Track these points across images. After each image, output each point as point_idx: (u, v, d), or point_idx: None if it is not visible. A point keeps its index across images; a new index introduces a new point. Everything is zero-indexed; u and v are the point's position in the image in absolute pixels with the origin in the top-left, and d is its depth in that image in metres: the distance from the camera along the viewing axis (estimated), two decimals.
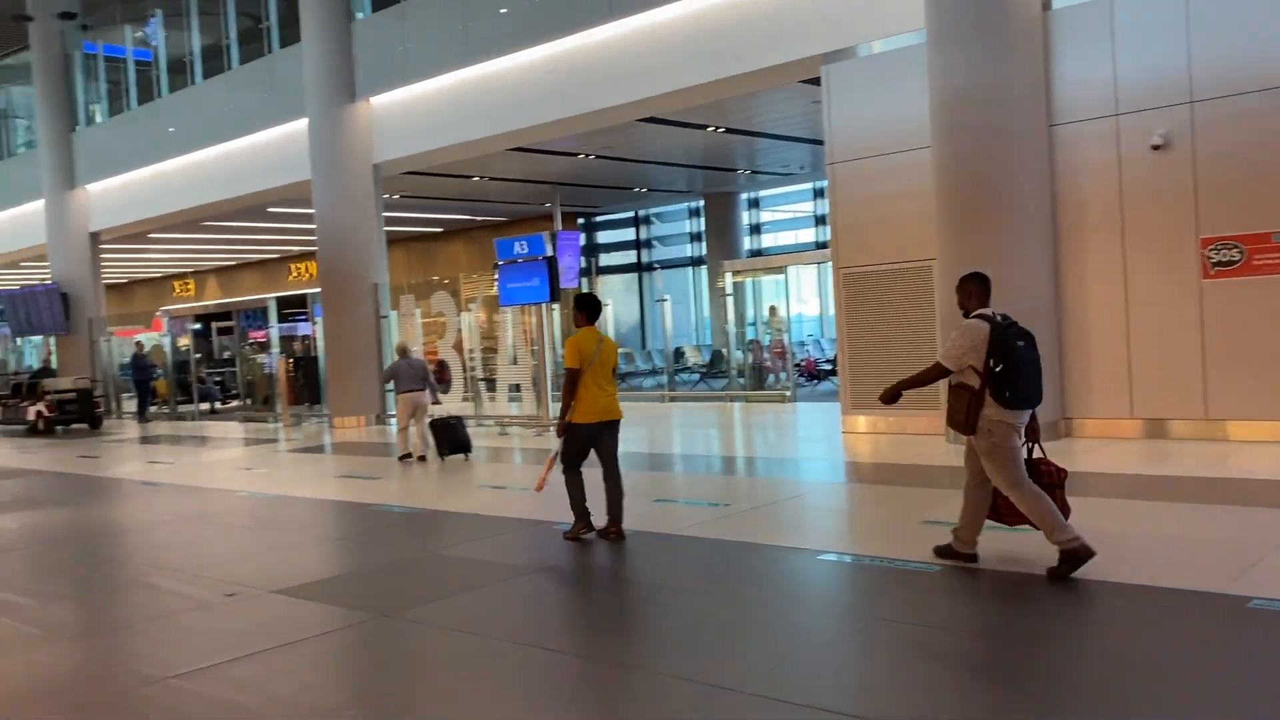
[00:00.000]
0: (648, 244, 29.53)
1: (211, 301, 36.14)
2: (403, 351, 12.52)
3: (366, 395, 17.25)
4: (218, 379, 25.78)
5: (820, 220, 25.90)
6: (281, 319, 23.02)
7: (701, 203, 27.14)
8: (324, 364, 18.15)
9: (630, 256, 29.70)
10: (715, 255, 25.94)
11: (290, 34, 18.36)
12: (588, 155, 19.48)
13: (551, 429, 14.17)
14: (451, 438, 11.89)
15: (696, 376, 21.96)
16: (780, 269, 18.33)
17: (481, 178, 20.91)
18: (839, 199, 12.04)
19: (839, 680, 4.42)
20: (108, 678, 4.98)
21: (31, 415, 20.32)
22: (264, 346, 22.69)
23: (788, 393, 16.77)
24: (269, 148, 19.16)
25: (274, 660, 4.98)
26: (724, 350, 20.71)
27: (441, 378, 18.43)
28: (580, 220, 28.90)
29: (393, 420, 16.79)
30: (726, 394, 18.17)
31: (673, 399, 18.67)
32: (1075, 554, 5.33)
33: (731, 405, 17.17)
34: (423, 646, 5.18)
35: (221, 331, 32.44)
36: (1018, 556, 5.85)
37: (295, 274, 33.51)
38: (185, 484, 11.74)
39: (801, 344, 21.07)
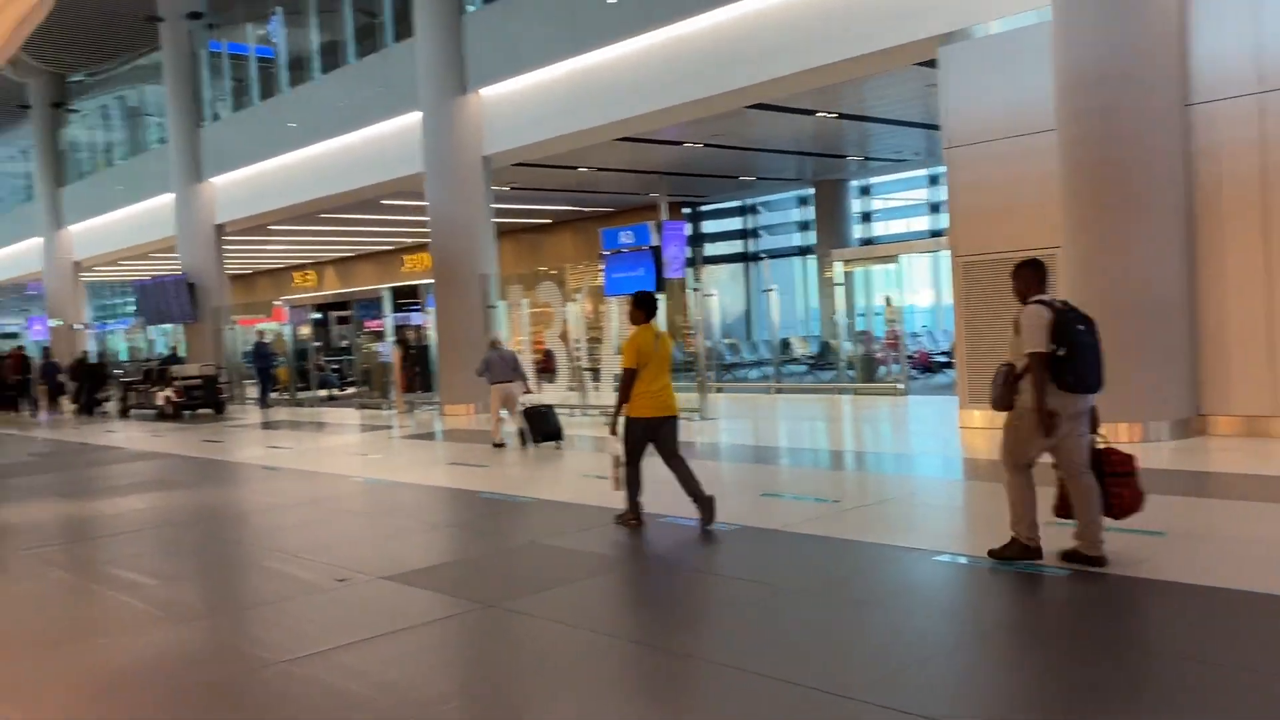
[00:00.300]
0: (754, 233, 29.20)
1: (329, 292, 37.28)
2: (494, 344, 12.98)
3: (475, 384, 17.37)
4: (335, 367, 26.54)
5: (935, 208, 25.18)
6: (396, 309, 23.58)
7: (811, 190, 26.69)
8: (435, 353, 18.47)
9: (736, 246, 29.42)
10: (825, 244, 25.46)
11: (404, 29, 18.70)
12: (694, 144, 19.31)
13: None
14: (543, 425, 12.23)
15: (804, 368, 21.61)
16: (893, 258, 17.86)
17: (588, 168, 20.95)
18: (957, 185, 11.61)
19: (955, 691, 4.21)
20: (222, 660, 5.09)
21: (160, 400, 21.24)
22: (379, 335, 23.28)
23: (900, 385, 16.33)
24: (383, 141, 19.57)
25: (381, 648, 5.02)
26: (833, 341, 20.32)
27: (546, 367, 18.57)
28: (686, 210, 28.75)
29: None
30: (835, 386, 17.82)
31: (779, 391, 18.40)
32: (1026, 548, 5.60)
33: (840, 398, 16.82)
34: (524, 638, 5.15)
35: (339, 321, 33.46)
36: (1151, 559, 5.51)
37: (409, 265, 34.26)
38: (302, 469, 12.07)
39: (914, 335, 20.51)
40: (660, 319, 15.36)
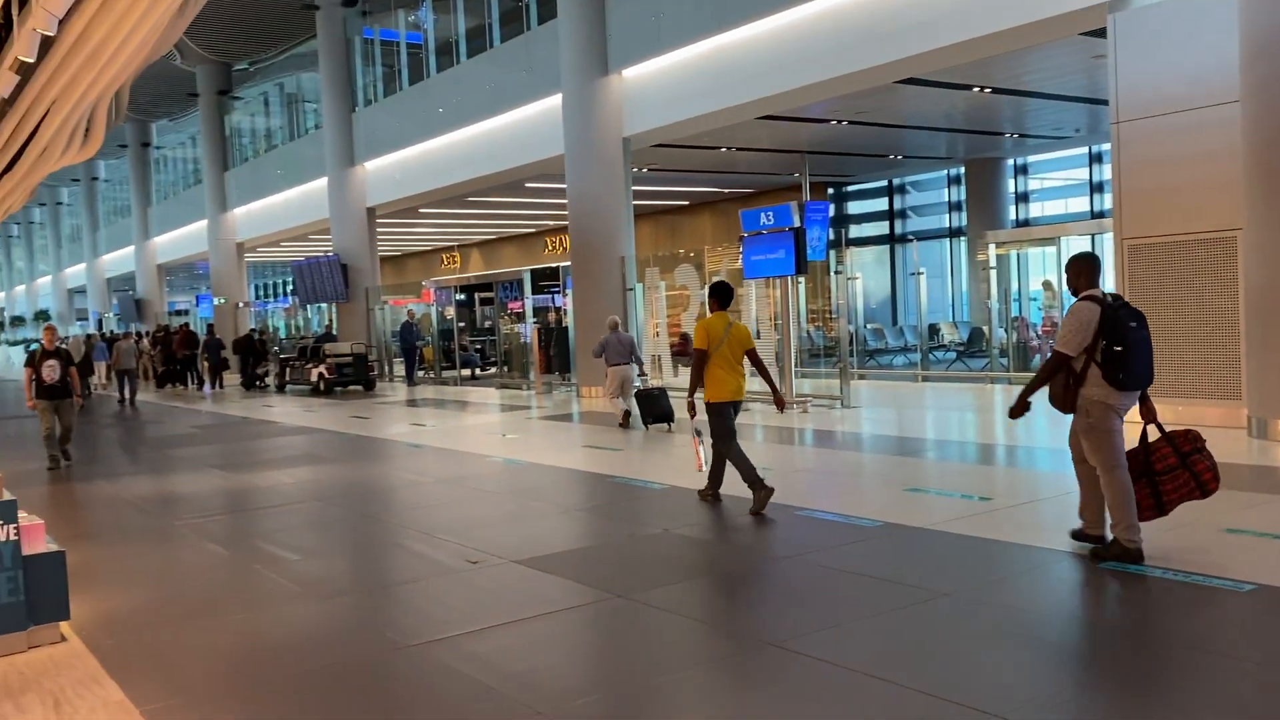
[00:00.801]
0: (902, 214, 28.26)
1: (473, 273, 38.12)
2: (613, 327, 13.36)
3: None
4: (478, 347, 27.09)
5: (1097, 187, 23.79)
6: (536, 291, 23.84)
7: (962, 170, 25.61)
8: (574, 334, 18.57)
9: (882, 228, 28.54)
10: (976, 226, 24.41)
11: (547, 11, 18.76)
12: (840, 121, 18.73)
13: (795, 406, 13.79)
14: (655, 408, 12.45)
15: (953, 355, 20.78)
16: (1051, 240, 16.90)
17: (729, 148, 20.62)
18: (1125, 162, 10.81)
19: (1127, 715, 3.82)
20: (354, 641, 5.11)
21: (314, 377, 22.12)
22: (520, 317, 23.61)
23: None
24: (526, 124, 19.74)
25: (510, 635, 4.94)
26: (984, 327, 19.45)
27: (682, 350, 18.42)
28: (829, 190, 28.04)
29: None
30: (987, 375, 17.05)
31: (926, 379, 17.73)
32: (1128, 552, 5.46)
33: (992, 387, 16.07)
34: (657, 634, 4.98)
35: (483, 302, 34.19)
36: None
37: (550, 247, 34.68)
38: (443, 447, 12.27)
39: None
40: (801, 303, 14.90)
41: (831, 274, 19.59)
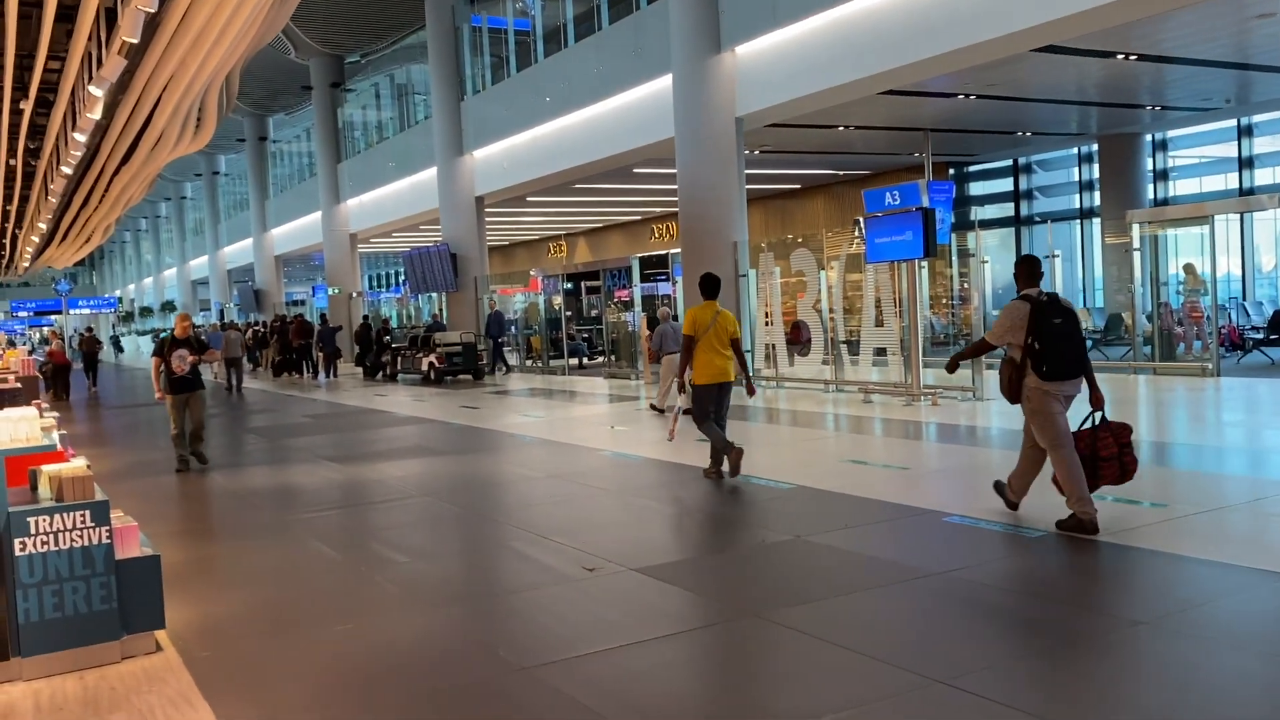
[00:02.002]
0: (1027, 195, 26.82)
1: (580, 261, 37.94)
2: (665, 317, 13.99)
3: None
4: (585, 336, 26.80)
5: (1247, 163, 22.07)
6: (643, 279, 23.37)
7: (1095, 146, 24.10)
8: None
9: (1005, 209, 27.15)
10: (1110, 206, 22.93)
11: None
12: (966, 96, 17.68)
13: (924, 399, 12.98)
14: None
15: (1089, 343, 19.48)
16: (1202, 219, 15.57)
17: (846, 127, 19.73)
18: None
19: None
20: (466, 662, 4.65)
21: (424, 366, 22.11)
22: (627, 305, 23.17)
23: (1208, 365, 14.24)
24: (634, 108, 19.24)
25: (633, 658, 4.42)
26: (1124, 314, 18.17)
27: (797, 339, 17.69)
28: (950, 171, 26.79)
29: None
30: (1128, 364, 15.86)
31: None
32: (1083, 523, 5.85)
33: (1135, 377, 14.91)
34: (796, 662, 4.38)
35: (589, 291, 33.94)
36: None
37: (656, 235, 34.19)
38: (552, 439, 11.87)
39: (1223, 308, 17.98)
40: (923, 289, 14.03)
41: (953, 257, 18.60)
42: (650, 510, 7.71)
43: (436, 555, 6.82)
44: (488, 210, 26.78)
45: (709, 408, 8.25)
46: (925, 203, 12.75)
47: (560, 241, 40.37)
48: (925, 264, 14.92)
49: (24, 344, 49.99)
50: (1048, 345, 5.89)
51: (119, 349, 55.47)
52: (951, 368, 6.85)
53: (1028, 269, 6.23)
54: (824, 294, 15.66)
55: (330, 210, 33.74)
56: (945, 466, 8.93)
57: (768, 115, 16.98)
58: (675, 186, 17.82)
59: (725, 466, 8.27)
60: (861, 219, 14.97)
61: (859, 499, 7.35)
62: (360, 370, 26.11)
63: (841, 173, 26.72)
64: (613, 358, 21.80)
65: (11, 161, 14.90)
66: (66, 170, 12.56)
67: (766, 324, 16.41)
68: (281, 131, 42.13)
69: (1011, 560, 5.73)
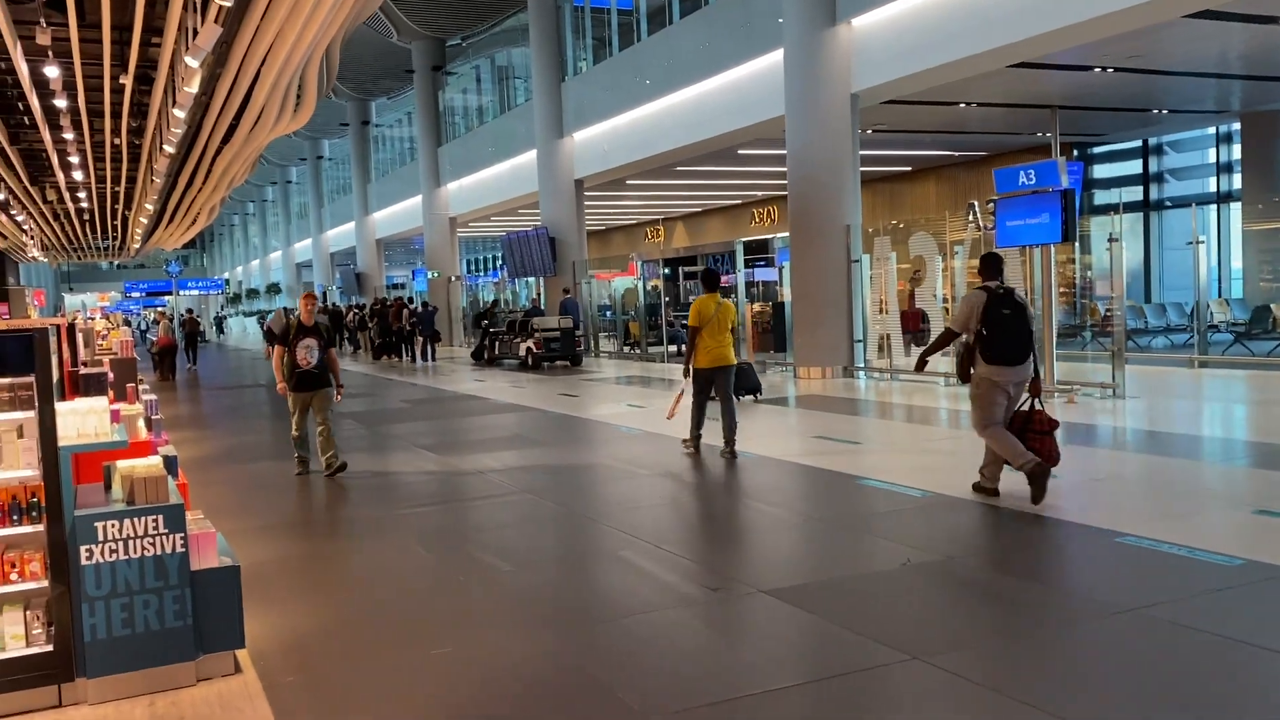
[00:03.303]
0: (1158, 178, 25.13)
1: (678, 246, 37.25)
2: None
3: (833, 345, 16.01)
4: (684, 322, 26.06)
5: None
6: (745, 265, 22.53)
7: (1236, 125, 22.37)
8: (789, 310, 17.21)
9: (1134, 193, 25.48)
10: (1253, 189, 21.26)
11: None
12: (1101, 69, 16.38)
13: (1056, 395, 11.97)
14: (744, 381, 12.93)
15: (1229, 337, 18.03)
16: None
17: (967, 104, 18.57)
18: None
19: None
20: (581, 704, 4.02)
21: (522, 351, 21.73)
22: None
23: None
24: (741, 85, 18.45)
25: (780, 712, 3.74)
26: (1272, 305, 16.70)
27: (911, 326, 16.70)
28: (1074, 152, 25.25)
29: (860, 373, 15.58)
30: (1278, 360, 14.49)
31: (1203, 364, 15.29)
32: (1034, 473, 6.41)
33: None
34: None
35: (687, 276, 33.20)
36: None
37: (757, 219, 33.26)
38: (655, 431, 11.24)
39: None
40: (1035, 277, 12.95)
41: (1101, 242, 17.39)
42: (771, 518, 7.01)
43: (540, 564, 6.23)
44: (586, 194, 26.28)
45: (707, 390, 9.25)
46: (1065, 183, 11.69)
47: (658, 226, 39.72)
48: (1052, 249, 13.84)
49: (139, 324, 51.63)
50: (994, 332, 6.48)
51: (221, 330, 56.99)
52: (920, 366, 7.40)
53: (989, 265, 6.91)
54: (941, 280, 14.69)
55: (430, 194, 33.71)
56: (1101, 475, 7.97)
57: (884, 91, 16.01)
58: (781, 169, 17.00)
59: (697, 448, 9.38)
60: (976, 202, 14.03)
61: (1012, 513, 6.52)
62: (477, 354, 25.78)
63: (957, 154, 25.42)
64: None
65: (116, 140, 14.91)
66: (169, 149, 12.43)
67: (881, 313, 15.49)
68: (383, 116, 42.40)
69: (1211, 594, 4.87)
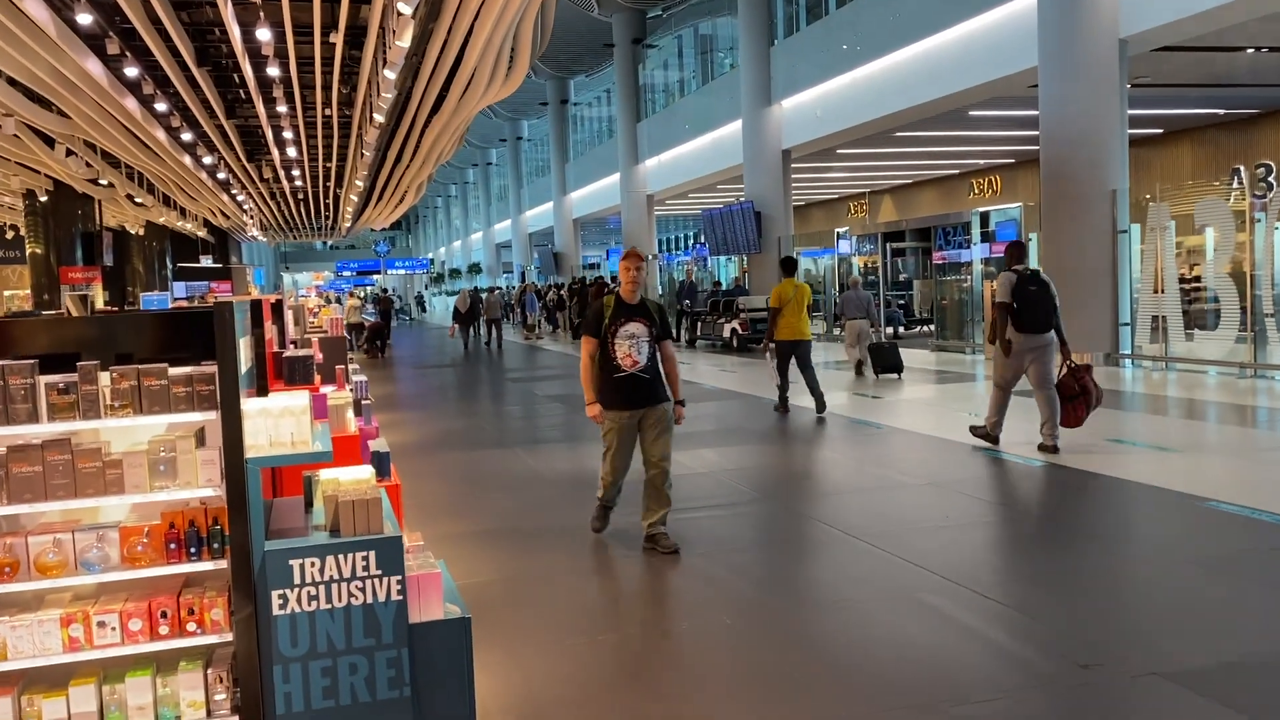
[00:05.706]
0: None
1: (893, 219, 35.09)
2: (853, 285, 15.55)
3: (1096, 328, 13.94)
4: (901, 302, 24.29)
5: None
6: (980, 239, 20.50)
7: None
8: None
9: None
10: None
11: None
12: None
13: None
14: (886, 359, 13.69)
15: None
16: None
17: (1257, 49, 15.93)
18: None
19: None
20: None
21: (726, 332, 20.59)
22: (945, 269, 20.46)
23: None
24: (978, 37, 16.51)
25: None
26: None
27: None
28: None
29: (1128, 361, 13.53)
30: None
31: None
32: (988, 435, 8.30)
33: None
34: None
35: (895, 253, 31.11)
36: None
37: (976, 191, 30.76)
38: (899, 426, 9.82)
39: None
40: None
41: None
42: (1120, 557, 5.47)
43: (813, 602, 4.98)
44: (794, 165, 24.76)
45: (788, 360, 10.70)
46: None
47: (862, 200, 37.62)
48: None
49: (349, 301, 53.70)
50: (1023, 305, 7.77)
51: (422, 309, 58.78)
52: (997, 342, 8.01)
53: (1015, 252, 8.11)
54: (1249, 255, 12.51)
55: (629, 171, 32.98)
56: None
57: (1158, 36, 13.80)
58: (1016, 132, 15.06)
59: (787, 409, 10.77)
60: (1243, 167, 11.93)
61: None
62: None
63: (1221, 113, 22.33)
64: (941, 329, 19.25)
65: (328, 111, 14.68)
66: (379, 118, 11.97)
67: (1157, 291, 13.36)
68: (581, 95, 42.09)
69: None
